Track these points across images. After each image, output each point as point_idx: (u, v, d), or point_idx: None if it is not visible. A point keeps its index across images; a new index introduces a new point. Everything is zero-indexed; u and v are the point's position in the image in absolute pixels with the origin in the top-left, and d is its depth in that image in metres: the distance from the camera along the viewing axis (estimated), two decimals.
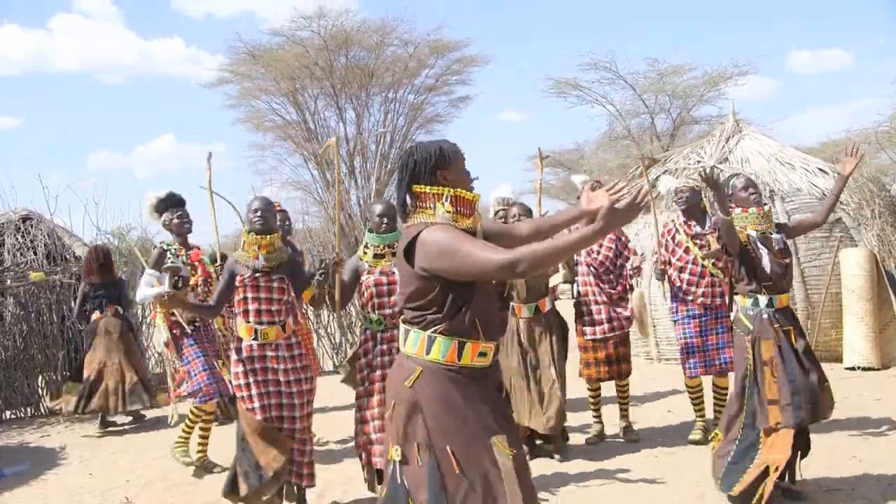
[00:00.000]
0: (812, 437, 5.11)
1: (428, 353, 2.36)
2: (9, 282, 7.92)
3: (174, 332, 5.20)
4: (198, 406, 5.19)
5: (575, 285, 5.49)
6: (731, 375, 4.93)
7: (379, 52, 21.80)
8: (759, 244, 4.04)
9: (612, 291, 5.32)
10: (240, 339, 4.18)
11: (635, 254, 5.39)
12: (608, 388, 5.67)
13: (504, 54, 45.73)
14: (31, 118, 55.79)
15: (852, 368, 7.59)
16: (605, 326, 5.29)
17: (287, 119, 22.84)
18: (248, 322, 4.14)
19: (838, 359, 7.83)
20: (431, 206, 2.39)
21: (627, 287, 5.39)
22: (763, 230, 4.07)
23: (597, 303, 5.32)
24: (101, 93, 53.23)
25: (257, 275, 4.13)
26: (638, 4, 48.03)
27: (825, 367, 7.49)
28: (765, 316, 3.99)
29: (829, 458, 4.69)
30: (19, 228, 8.63)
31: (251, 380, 4.10)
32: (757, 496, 3.79)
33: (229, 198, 5.29)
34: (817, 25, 48.47)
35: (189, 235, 5.39)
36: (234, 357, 4.21)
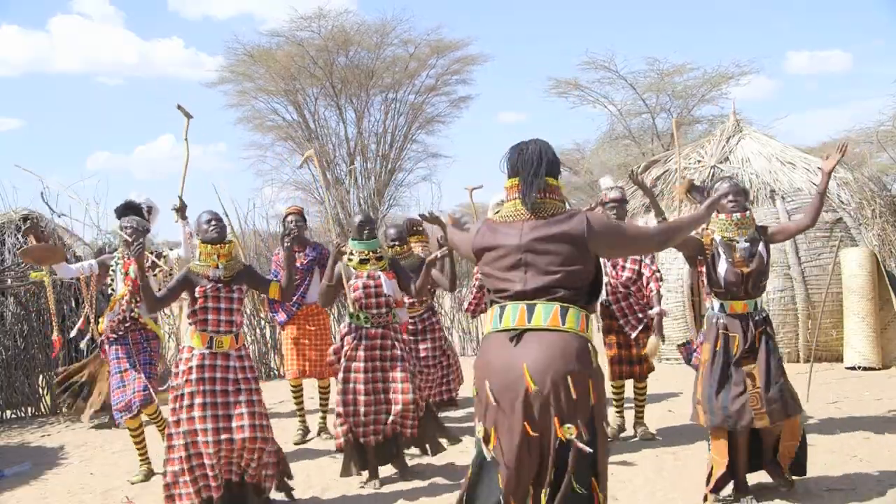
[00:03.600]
0: (812, 436, 5.14)
1: (587, 330, 2.55)
2: (9, 281, 7.92)
3: (103, 338, 5.19)
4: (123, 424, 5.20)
5: (603, 292, 5.52)
6: None
7: (378, 52, 21.81)
8: (719, 250, 4.04)
9: (636, 308, 5.36)
10: (190, 349, 4.11)
11: (656, 273, 5.33)
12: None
13: (504, 54, 45.73)
14: (32, 119, 55.80)
15: (853, 368, 7.60)
16: (630, 326, 5.36)
17: (287, 119, 22.86)
18: (205, 330, 4.09)
19: (839, 358, 7.83)
20: (560, 199, 2.66)
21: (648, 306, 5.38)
22: (729, 237, 4.06)
23: (619, 304, 5.36)
24: (101, 94, 53.23)
25: (219, 285, 4.12)
26: (637, 4, 48.01)
27: (826, 366, 7.59)
28: (714, 320, 4.07)
29: (829, 458, 4.69)
30: (20, 228, 8.64)
31: (195, 390, 4.00)
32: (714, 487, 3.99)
33: (230, 201, 5.37)
34: (815, 26, 48.44)
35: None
36: (180, 368, 4.09)
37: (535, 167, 2.60)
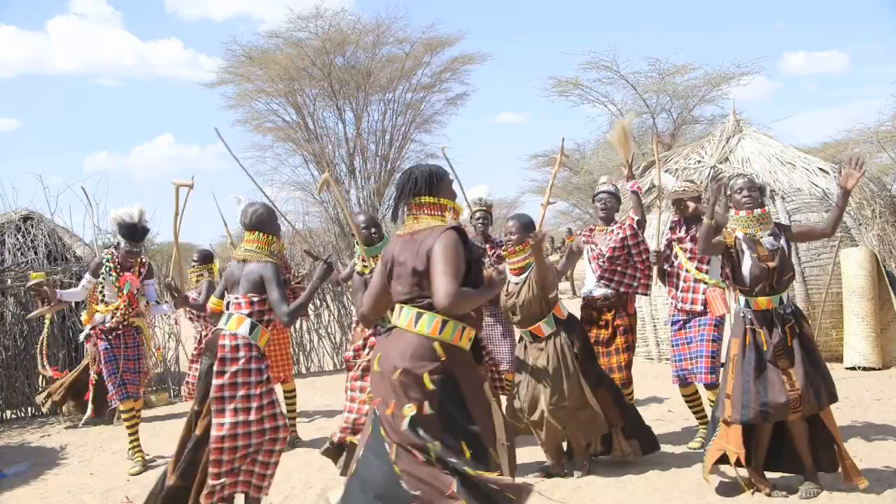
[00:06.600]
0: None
1: (440, 333, 2.86)
2: (9, 281, 7.92)
3: (93, 331, 5.64)
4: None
5: (586, 285, 5.25)
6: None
7: (375, 51, 21.80)
8: (743, 246, 4.11)
9: (617, 290, 5.05)
10: (258, 349, 3.83)
11: (647, 250, 5.08)
12: None
13: (504, 56, 45.80)
14: (30, 120, 55.89)
15: (853, 368, 7.60)
16: (609, 329, 5.05)
17: (287, 120, 22.84)
18: (272, 328, 4.10)
19: (839, 359, 7.83)
20: (435, 214, 2.99)
21: (637, 288, 5.11)
22: (752, 234, 4.12)
23: (601, 308, 5.10)
24: (99, 94, 53.32)
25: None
26: (638, 4, 48.04)
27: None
28: (741, 315, 4.13)
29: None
30: (20, 228, 8.65)
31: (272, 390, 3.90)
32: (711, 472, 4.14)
33: (228, 199, 5.42)
34: (813, 27, 48.48)
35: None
36: (262, 366, 3.82)
37: (402, 190, 2.98)
